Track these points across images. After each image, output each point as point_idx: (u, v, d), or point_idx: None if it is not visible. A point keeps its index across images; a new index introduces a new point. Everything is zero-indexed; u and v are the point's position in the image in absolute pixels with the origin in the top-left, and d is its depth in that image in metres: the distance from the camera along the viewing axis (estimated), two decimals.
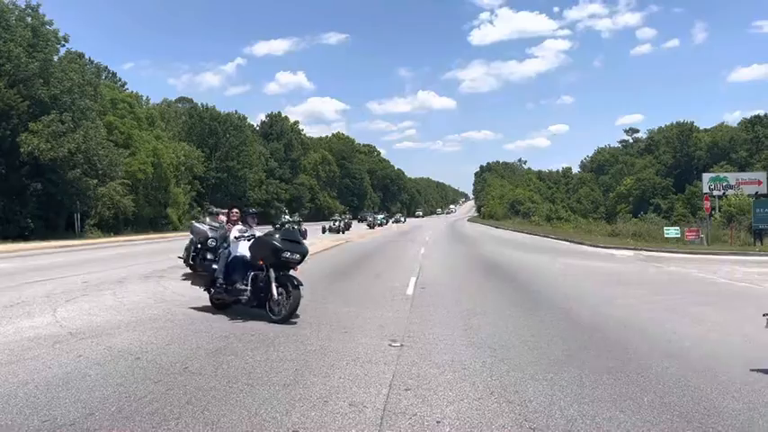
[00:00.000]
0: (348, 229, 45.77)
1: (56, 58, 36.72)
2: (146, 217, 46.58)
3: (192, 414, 4.47)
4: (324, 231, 40.75)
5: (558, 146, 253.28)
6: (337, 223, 44.46)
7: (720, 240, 28.88)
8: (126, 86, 56.55)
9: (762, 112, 78.82)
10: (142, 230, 43.61)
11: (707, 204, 33.03)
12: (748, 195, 35.38)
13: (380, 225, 63.87)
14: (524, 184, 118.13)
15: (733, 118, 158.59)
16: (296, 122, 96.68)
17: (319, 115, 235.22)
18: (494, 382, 5.41)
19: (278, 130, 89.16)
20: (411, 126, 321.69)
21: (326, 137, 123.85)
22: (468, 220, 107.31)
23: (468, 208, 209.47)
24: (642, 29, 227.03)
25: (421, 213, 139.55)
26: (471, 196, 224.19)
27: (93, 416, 4.42)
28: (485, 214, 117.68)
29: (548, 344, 7.03)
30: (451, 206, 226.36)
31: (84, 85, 37.65)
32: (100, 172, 36.86)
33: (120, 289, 11.67)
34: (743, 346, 6.91)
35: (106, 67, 55.62)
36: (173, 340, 7.10)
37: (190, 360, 6.14)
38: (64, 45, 37.78)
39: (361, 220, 68.91)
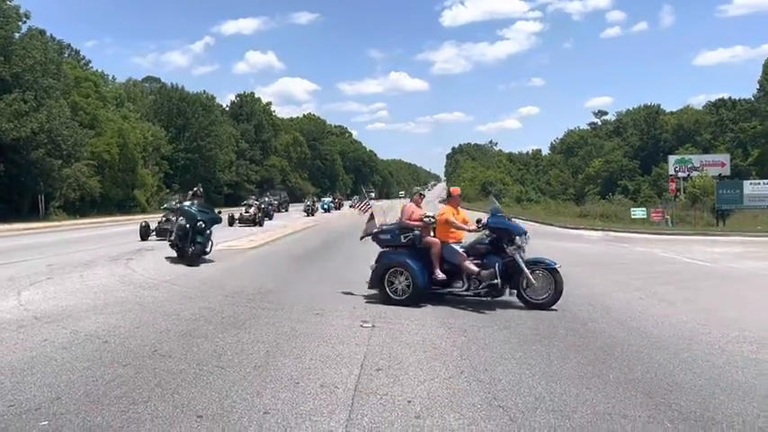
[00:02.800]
0: (269, 218, 32.80)
1: (17, 36, 35.58)
2: (113, 199, 45.68)
3: (161, 397, 4.44)
4: (231, 223, 27.53)
5: (528, 128, 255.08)
6: (252, 210, 29.63)
7: (685, 221, 29.55)
8: (90, 65, 55.02)
9: (726, 96, 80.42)
10: (109, 212, 42.80)
11: (672, 186, 33.76)
12: (712, 177, 36.26)
13: (327, 211, 48.35)
14: (495, 166, 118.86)
15: (698, 101, 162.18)
16: (268, 103, 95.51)
17: (290, 96, 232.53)
18: (464, 362, 5.47)
19: (248, 110, 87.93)
20: (383, 107, 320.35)
21: (297, 118, 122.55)
22: (439, 202, 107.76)
23: (439, 190, 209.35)
24: (612, 12, 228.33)
25: (373, 194, 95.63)
26: (443, 178, 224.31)
27: (60, 400, 4.36)
28: None
29: (517, 324, 7.13)
30: (417, 188, 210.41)
31: (47, 63, 36.52)
32: (64, 152, 36.01)
33: (86, 272, 11.46)
34: (705, 324, 7.10)
35: (69, 45, 53.81)
36: (141, 323, 7.02)
37: (159, 343, 6.08)
38: (25, 22, 36.63)
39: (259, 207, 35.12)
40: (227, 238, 18.74)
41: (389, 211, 13.18)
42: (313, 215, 41.43)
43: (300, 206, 48.80)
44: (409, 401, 4.41)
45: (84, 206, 40.99)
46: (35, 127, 32.71)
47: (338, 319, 7.33)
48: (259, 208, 30.37)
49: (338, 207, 55.77)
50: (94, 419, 4.02)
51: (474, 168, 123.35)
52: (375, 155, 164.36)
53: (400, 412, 4.20)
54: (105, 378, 4.88)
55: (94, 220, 36.37)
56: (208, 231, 13.24)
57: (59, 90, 37.84)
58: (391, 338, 6.36)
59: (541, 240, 21.49)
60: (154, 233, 18.83)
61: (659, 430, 3.91)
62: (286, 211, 46.34)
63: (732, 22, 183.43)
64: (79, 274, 11.22)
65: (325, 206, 50.61)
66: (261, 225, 28.05)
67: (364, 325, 6.97)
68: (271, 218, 33.83)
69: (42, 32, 39.45)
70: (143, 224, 19.56)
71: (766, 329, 6.79)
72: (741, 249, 17.52)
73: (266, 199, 38.10)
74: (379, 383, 4.84)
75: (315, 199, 49.60)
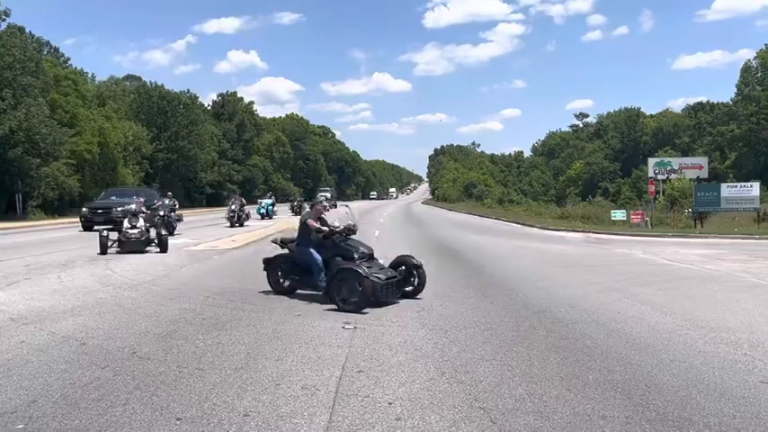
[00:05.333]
0: (169, 234, 18.28)
1: None
2: (92, 198, 45.14)
3: (140, 399, 4.39)
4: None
5: (510, 130, 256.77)
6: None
7: (664, 223, 29.86)
8: (69, 62, 54.26)
9: (704, 99, 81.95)
10: None
11: (651, 188, 34.10)
12: (690, 179, 36.76)
13: (269, 217, 35.57)
14: (477, 168, 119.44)
15: (677, 104, 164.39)
16: (250, 103, 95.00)
17: (272, 95, 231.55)
18: (445, 363, 5.48)
19: (230, 110, 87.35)
20: (366, 108, 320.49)
21: (280, 117, 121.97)
22: (422, 203, 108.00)
23: (422, 191, 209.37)
24: (593, 15, 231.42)
25: (329, 195, 69.19)
26: (425, 179, 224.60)
27: (36, 403, 4.30)
28: (439, 197, 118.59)
29: (498, 325, 7.16)
30: (392, 189, 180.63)
31: (26, 60, 36.04)
32: (43, 151, 35.55)
33: (64, 272, 11.32)
34: (682, 325, 7.18)
35: (48, 42, 53.03)
36: (120, 325, 6.95)
37: (138, 345, 6.02)
38: (5, 19, 36.15)
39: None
40: (208, 238, 18.59)
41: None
42: (241, 225, 27.27)
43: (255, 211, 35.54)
44: (390, 403, 4.41)
45: (62, 206, 40.50)
46: (13, 125, 32.31)
47: (320, 321, 7.31)
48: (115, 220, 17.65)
49: (298, 211, 37.72)
50: (71, 423, 3.96)
51: (457, 170, 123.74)
52: (358, 155, 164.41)
53: (381, 414, 4.20)
54: (83, 381, 4.82)
55: (74, 219, 35.84)
56: None
57: (38, 88, 37.37)
58: (373, 340, 6.36)
59: (524, 242, 21.64)
60: None
61: (637, 431, 3.95)
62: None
63: (711, 26, 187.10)
64: (57, 274, 11.07)
65: (262, 210, 36.40)
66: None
67: (346, 326, 6.96)
68: (171, 233, 20.26)
69: (21, 30, 38.94)
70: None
71: (742, 331, 6.88)
72: (717, 251, 17.76)
73: (136, 199, 19.56)
74: (360, 385, 4.83)
75: (243, 201, 30.02)
